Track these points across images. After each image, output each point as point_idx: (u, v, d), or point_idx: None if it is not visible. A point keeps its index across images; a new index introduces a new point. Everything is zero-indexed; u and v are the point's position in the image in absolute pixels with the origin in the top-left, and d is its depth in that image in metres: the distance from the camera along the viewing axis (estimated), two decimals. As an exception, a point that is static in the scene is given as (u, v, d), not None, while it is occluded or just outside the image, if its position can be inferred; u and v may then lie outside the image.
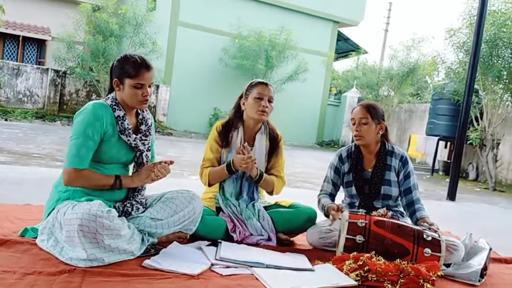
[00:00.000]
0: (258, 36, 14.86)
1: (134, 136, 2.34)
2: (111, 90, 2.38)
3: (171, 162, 2.38)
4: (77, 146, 2.17)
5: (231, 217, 2.71)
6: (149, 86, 2.31)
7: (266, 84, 2.81)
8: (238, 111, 2.87)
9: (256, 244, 2.63)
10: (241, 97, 2.87)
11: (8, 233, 2.30)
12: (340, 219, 2.54)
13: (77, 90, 13.97)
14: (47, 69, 13.78)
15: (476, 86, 8.37)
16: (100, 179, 2.24)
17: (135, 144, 2.34)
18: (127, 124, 2.31)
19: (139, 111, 2.44)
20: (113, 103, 2.30)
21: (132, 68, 2.25)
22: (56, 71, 13.67)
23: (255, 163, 2.67)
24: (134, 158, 2.42)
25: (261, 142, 2.85)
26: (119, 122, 2.28)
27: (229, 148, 2.80)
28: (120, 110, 2.30)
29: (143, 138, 2.39)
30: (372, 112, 2.78)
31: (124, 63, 2.27)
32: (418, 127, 13.56)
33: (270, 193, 2.86)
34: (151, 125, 2.48)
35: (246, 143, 2.71)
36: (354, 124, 2.81)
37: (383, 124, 2.83)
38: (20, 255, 2.05)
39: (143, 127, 2.42)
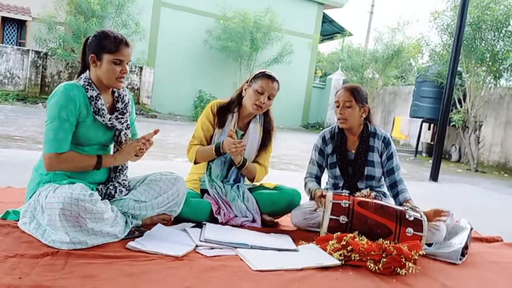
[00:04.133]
0: (243, 18, 14.71)
1: (109, 116, 2.28)
2: (83, 70, 2.31)
3: (156, 132, 2.33)
4: (54, 130, 2.12)
5: (216, 199, 2.70)
6: (127, 63, 2.27)
7: (272, 80, 2.75)
8: (240, 95, 2.83)
9: (241, 226, 2.64)
10: (247, 81, 2.82)
11: (-11, 216, 2.27)
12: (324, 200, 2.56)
13: (59, 72, 13.73)
14: (28, 50, 13.49)
15: (459, 69, 8.44)
16: (82, 160, 2.21)
17: (111, 123, 2.29)
18: (101, 104, 2.25)
19: (115, 89, 2.38)
20: (86, 83, 2.24)
21: (113, 44, 2.20)
22: (37, 52, 13.40)
23: (244, 149, 2.63)
24: (113, 138, 2.37)
25: (255, 131, 2.83)
26: (93, 103, 2.23)
27: (222, 130, 2.77)
28: (93, 90, 2.24)
29: (120, 116, 2.34)
30: (356, 95, 2.78)
31: (103, 38, 2.21)
32: (402, 109, 13.65)
33: (251, 180, 2.85)
34: (128, 102, 2.41)
35: (235, 130, 2.67)
36: (338, 106, 2.82)
37: (366, 106, 2.84)
38: (2, 238, 2.02)
39: (119, 105, 2.37)
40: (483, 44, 8.85)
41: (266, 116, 2.90)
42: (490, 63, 8.99)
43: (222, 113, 2.79)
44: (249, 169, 2.77)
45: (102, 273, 1.77)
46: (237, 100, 2.83)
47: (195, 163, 2.78)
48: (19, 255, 1.84)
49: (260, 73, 2.79)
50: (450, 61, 6.51)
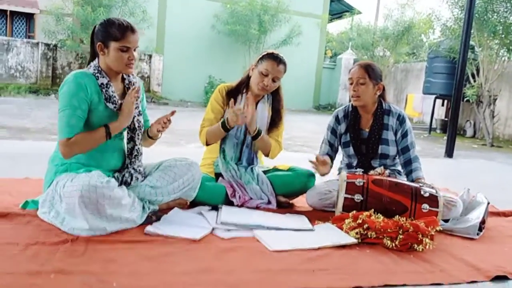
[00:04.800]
0: (249, 1, 14.60)
1: (120, 102, 2.29)
2: (92, 58, 2.32)
3: (173, 113, 2.37)
4: (66, 117, 2.14)
5: (231, 182, 2.72)
6: (134, 50, 2.26)
7: (278, 62, 2.69)
8: (248, 76, 2.81)
9: (256, 208, 2.65)
10: (256, 61, 2.78)
11: (9, 206, 2.31)
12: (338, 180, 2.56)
13: (69, 63, 13.79)
14: (37, 43, 13.56)
15: (472, 43, 8.29)
16: (91, 135, 2.19)
17: None
18: (112, 91, 2.26)
19: (125, 76, 2.38)
20: (96, 71, 2.25)
21: (118, 31, 2.19)
22: (47, 45, 13.45)
23: (245, 116, 2.54)
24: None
25: (263, 111, 2.81)
26: (104, 90, 2.24)
27: None
28: (103, 77, 2.25)
29: None
30: (370, 72, 2.74)
31: (109, 26, 2.21)
32: (415, 86, 13.51)
33: (266, 155, 2.83)
34: (138, 88, 2.43)
35: (232, 101, 2.58)
36: (351, 84, 2.78)
37: (381, 84, 2.80)
38: (22, 227, 2.06)
39: None
40: (495, 17, 8.69)
41: (276, 95, 2.87)
42: (503, 36, 8.83)
43: (231, 95, 2.77)
44: (264, 141, 2.73)
45: (122, 257, 1.80)
46: (246, 81, 2.81)
47: (207, 144, 2.77)
48: (40, 242, 1.88)
49: (267, 54, 2.74)
50: (462, 35, 6.40)
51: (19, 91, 12.33)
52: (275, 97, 2.87)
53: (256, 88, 2.72)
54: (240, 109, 2.54)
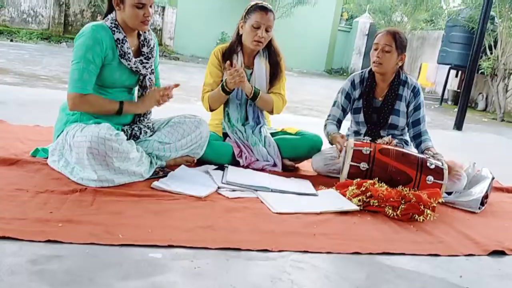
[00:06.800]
0: (268, -44, 14.20)
1: (134, 59, 2.29)
2: (110, 10, 2.30)
3: (176, 85, 2.37)
4: (79, 71, 2.15)
5: (238, 143, 2.73)
6: (150, 6, 2.24)
7: (266, 11, 2.66)
8: (238, 34, 2.78)
9: (262, 170, 2.67)
10: (242, 17, 2.75)
11: (19, 153, 2.35)
12: (345, 147, 2.56)
13: (82, 11, 13.62)
14: (50, -13, 13.35)
15: (492, 13, 8.07)
16: (104, 105, 2.24)
17: (136, 68, 2.30)
18: (127, 47, 2.26)
19: (141, 32, 2.37)
20: (113, 25, 2.24)
21: None
22: (60, -10, 13.25)
23: (243, 76, 2.57)
24: (137, 82, 2.40)
25: (260, 66, 2.79)
26: (119, 46, 2.24)
27: None
28: (119, 32, 2.24)
29: (145, 61, 2.35)
30: (397, 41, 2.69)
31: None
32: (430, 55, 13.26)
33: (271, 112, 2.83)
34: (153, 46, 2.42)
35: (243, 69, 2.63)
36: (376, 49, 2.73)
37: (404, 55, 2.76)
38: (32, 174, 2.10)
39: (145, 49, 2.37)
40: (519, -13, 8.43)
41: (270, 47, 2.83)
42: (525, 8, 8.58)
43: (226, 56, 2.75)
44: (264, 100, 2.74)
45: (129, 210, 1.85)
46: (238, 39, 2.78)
47: (211, 110, 2.79)
48: (49, 191, 1.92)
49: (252, 6, 2.70)
50: (483, 4, 6.23)
51: (31, 36, 12.25)
52: (270, 50, 2.84)
53: (251, 44, 2.69)
54: (237, 70, 2.54)
